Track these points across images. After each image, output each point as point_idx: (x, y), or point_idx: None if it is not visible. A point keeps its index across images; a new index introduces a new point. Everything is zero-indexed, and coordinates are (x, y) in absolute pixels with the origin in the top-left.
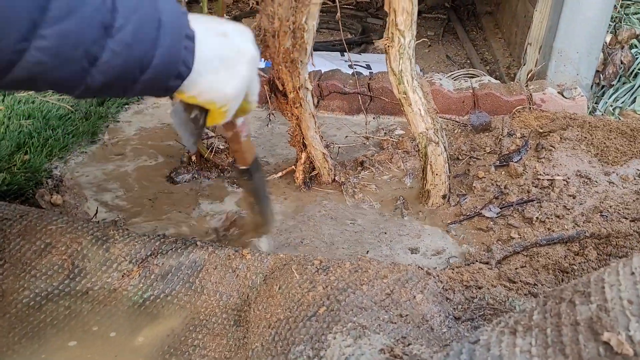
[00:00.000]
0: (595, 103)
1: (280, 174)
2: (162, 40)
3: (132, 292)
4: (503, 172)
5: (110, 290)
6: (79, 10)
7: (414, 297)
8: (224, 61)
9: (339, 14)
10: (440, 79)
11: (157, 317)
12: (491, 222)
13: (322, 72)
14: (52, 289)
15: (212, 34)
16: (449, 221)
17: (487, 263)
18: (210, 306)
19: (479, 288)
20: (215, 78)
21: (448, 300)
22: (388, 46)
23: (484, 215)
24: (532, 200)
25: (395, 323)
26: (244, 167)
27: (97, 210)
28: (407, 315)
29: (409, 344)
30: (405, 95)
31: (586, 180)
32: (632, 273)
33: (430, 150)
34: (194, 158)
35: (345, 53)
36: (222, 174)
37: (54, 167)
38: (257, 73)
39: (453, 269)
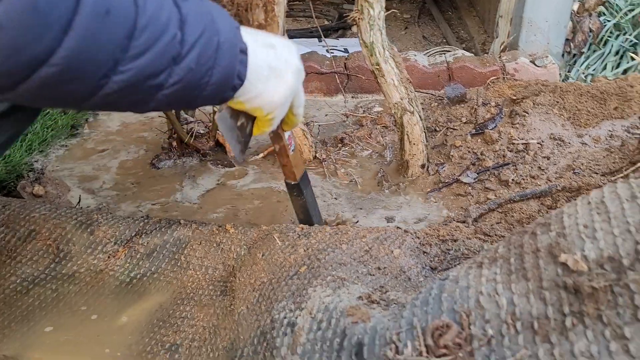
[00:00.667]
0: (568, 71)
1: (262, 154)
2: (220, 60)
3: (119, 272)
4: (479, 140)
5: (97, 272)
6: (154, 47)
7: (392, 252)
8: (272, 70)
9: None
10: (415, 55)
11: (145, 294)
12: (469, 188)
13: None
14: (38, 273)
15: (260, 45)
16: (429, 189)
17: (464, 222)
18: (196, 280)
19: (455, 241)
20: (264, 86)
21: (425, 254)
22: (358, 19)
23: (462, 182)
24: (508, 164)
25: (373, 275)
26: (294, 182)
27: (80, 198)
28: (385, 267)
29: (386, 292)
30: (378, 67)
31: (559, 142)
32: (589, 203)
33: (406, 120)
34: (174, 144)
35: (322, 39)
36: (203, 158)
37: (34, 160)
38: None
39: (430, 227)
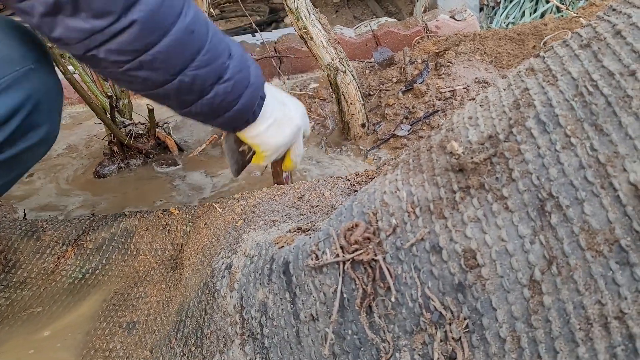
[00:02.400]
0: (490, 23)
1: (204, 145)
2: (246, 94)
3: (71, 270)
4: (410, 95)
5: (49, 274)
6: (211, 64)
7: (323, 194)
8: (276, 121)
9: None
10: (341, 29)
11: (99, 285)
12: (405, 140)
13: None
14: None
15: (276, 100)
16: (368, 148)
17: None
18: (147, 263)
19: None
20: (265, 130)
21: (355, 192)
22: None
23: (397, 135)
24: (437, 111)
25: (305, 215)
26: None
27: (24, 212)
28: (317, 207)
29: (315, 224)
30: (305, 30)
31: (484, 84)
32: (475, 101)
33: (340, 80)
34: (115, 148)
35: (256, 33)
36: (147, 158)
37: None
38: (301, 140)
39: (361, 172)
